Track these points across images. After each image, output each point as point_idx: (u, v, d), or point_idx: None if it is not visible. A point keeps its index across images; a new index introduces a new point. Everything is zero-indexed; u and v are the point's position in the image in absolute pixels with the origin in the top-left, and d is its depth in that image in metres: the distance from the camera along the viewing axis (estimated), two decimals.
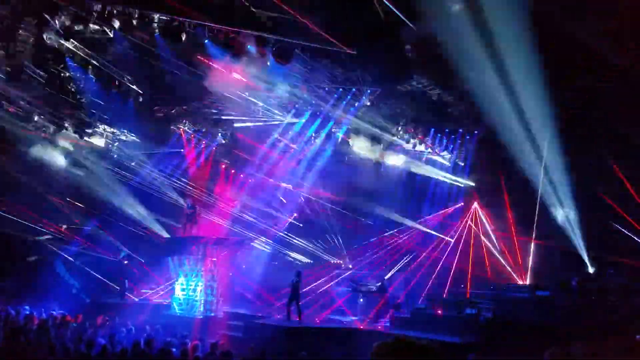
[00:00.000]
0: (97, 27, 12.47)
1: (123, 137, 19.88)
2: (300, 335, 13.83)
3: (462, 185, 19.66)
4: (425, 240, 19.63)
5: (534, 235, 16.68)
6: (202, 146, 21.47)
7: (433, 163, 19.71)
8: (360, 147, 19.17)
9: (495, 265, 17.92)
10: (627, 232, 14.52)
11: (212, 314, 17.09)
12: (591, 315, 11.30)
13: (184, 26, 12.08)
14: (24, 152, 18.51)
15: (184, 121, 20.26)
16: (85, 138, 18.90)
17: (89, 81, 16.19)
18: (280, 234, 21.49)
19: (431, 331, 12.77)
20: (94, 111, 17.52)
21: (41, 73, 15.02)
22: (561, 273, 14.97)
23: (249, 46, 12.77)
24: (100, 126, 18.09)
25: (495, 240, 18.56)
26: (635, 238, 14.50)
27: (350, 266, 20.55)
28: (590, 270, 15.62)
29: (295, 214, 22.21)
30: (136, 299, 19.93)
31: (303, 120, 18.95)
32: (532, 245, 16.91)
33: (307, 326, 14.67)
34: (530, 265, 16.98)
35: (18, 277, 19.92)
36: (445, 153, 19.32)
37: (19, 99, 16.33)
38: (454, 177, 19.51)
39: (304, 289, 16.72)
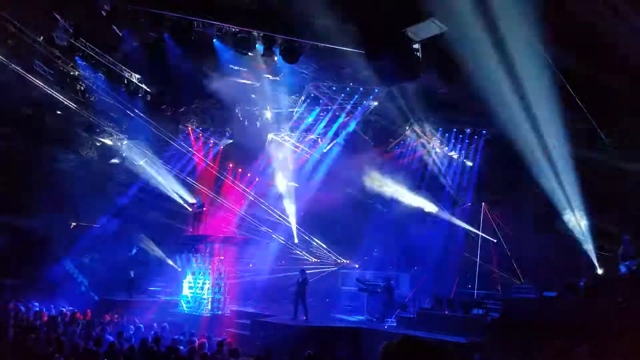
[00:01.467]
0: (106, 26, 12.58)
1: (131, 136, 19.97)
2: (307, 334, 13.85)
3: (470, 185, 19.59)
4: (433, 241, 19.56)
5: (542, 235, 16.60)
6: (210, 145, 21.61)
7: (441, 162, 19.68)
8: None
9: (503, 265, 17.83)
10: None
11: (220, 312, 17.17)
12: (598, 316, 11.22)
13: (193, 25, 12.12)
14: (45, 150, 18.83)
15: (192, 119, 20.38)
16: (95, 137, 19.04)
17: (98, 80, 16.34)
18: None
19: (437, 331, 12.75)
20: (103, 110, 17.63)
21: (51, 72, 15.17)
22: (569, 274, 14.85)
23: (257, 45, 12.78)
24: (109, 125, 18.20)
25: (503, 241, 18.46)
26: None
27: (357, 265, 20.57)
28: (599, 271, 15.52)
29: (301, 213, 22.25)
30: (144, 297, 20.09)
31: (311, 119, 19.02)
32: (541, 246, 16.81)
33: (314, 325, 14.71)
34: (538, 266, 16.87)
35: (28, 274, 20.14)
36: (453, 153, 19.30)
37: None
38: (462, 177, 19.46)
39: (311, 288, 16.73)
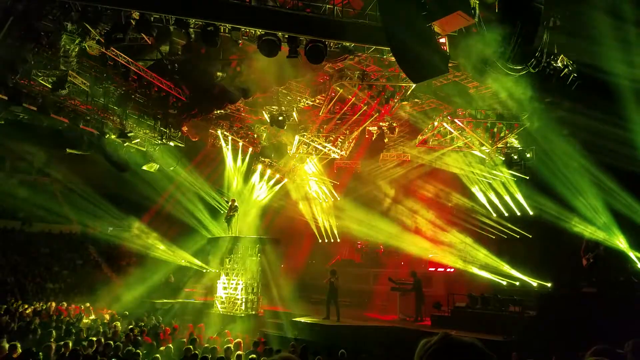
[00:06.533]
0: (135, 34, 12.82)
1: (163, 141, 20.28)
2: (340, 333, 13.85)
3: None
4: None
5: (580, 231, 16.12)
6: (240, 147, 21.85)
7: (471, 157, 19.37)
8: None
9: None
10: None
11: (253, 312, 17.30)
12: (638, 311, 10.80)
13: (219, 30, 12.20)
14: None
15: (222, 124, 20.57)
16: (127, 143, 19.40)
17: (129, 86, 16.68)
18: None
19: (473, 329, 12.55)
20: (134, 116, 17.96)
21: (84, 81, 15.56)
22: (609, 270, 14.35)
23: (282, 47, 12.77)
24: (140, 131, 18.48)
25: None
26: None
27: None
28: None
29: None
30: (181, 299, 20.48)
31: (338, 119, 18.93)
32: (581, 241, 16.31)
33: (346, 324, 14.67)
34: (577, 263, 16.37)
35: (69, 278, 20.77)
36: (483, 147, 18.89)
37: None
38: (492, 171, 19.07)
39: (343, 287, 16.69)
